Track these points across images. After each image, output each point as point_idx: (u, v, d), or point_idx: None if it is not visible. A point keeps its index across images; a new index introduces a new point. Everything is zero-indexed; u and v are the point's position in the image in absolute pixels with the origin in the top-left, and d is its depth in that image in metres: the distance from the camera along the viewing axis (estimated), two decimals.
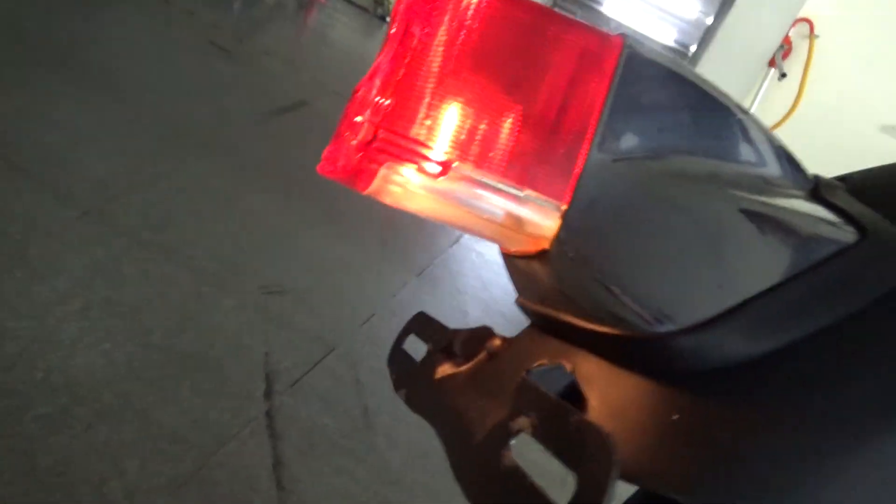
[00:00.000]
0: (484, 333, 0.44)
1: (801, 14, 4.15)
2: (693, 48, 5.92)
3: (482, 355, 0.42)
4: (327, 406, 1.62)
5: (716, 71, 4.16)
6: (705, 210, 0.33)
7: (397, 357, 0.48)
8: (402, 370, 0.47)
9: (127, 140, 2.52)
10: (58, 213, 1.87)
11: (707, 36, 4.69)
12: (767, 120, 4.34)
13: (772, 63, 4.31)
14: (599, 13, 22.19)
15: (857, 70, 4.23)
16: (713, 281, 0.33)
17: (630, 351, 0.34)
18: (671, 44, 21.14)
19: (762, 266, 0.33)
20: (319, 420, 1.56)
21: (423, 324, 0.49)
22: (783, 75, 4.33)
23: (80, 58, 3.07)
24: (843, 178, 0.45)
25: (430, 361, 0.44)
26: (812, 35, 4.24)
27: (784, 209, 0.35)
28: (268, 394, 1.57)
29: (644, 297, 0.33)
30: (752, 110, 4.47)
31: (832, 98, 4.26)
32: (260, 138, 3.36)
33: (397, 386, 0.46)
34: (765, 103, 4.36)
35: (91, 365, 1.40)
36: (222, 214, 2.33)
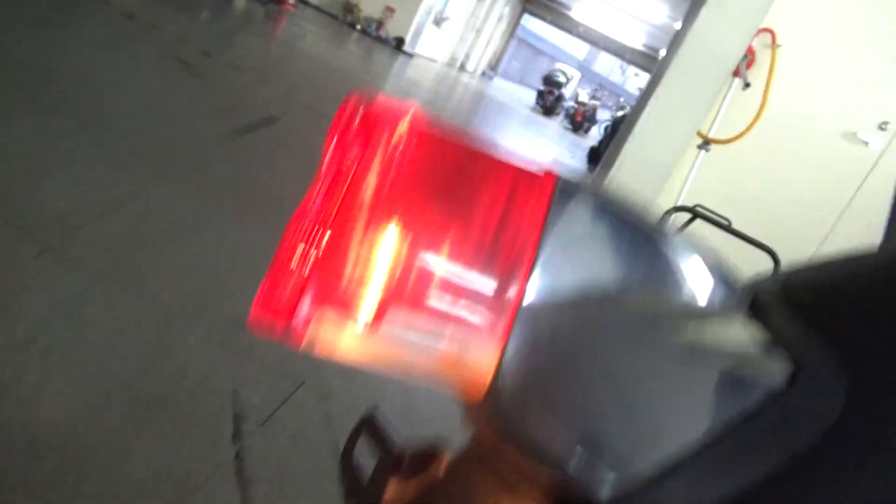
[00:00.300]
0: (434, 450, 0.44)
1: (764, 24, 4.22)
2: (662, 52, 5.96)
3: (430, 478, 0.41)
4: (297, 444, 1.60)
5: (685, 76, 4.21)
6: (641, 357, 0.33)
7: (348, 463, 0.47)
8: (353, 479, 0.46)
9: (87, 167, 2.48)
10: (15, 250, 1.83)
11: (676, 41, 4.74)
12: (733, 129, 4.40)
13: (736, 73, 4.38)
14: (569, 17, 22.39)
15: (818, 79, 4.31)
16: (648, 438, 0.33)
17: None
18: (640, 47, 21.36)
19: (699, 419, 0.33)
20: (289, 460, 1.54)
21: (373, 428, 0.48)
22: (747, 85, 4.40)
23: (37, 80, 3.01)
24: (786, 277, 0.45)
25: (379, 477, 0.44)
26: (774, 45, 4.32)
27: (721, 349, 0.35)
28: (236, 435, 1.55)
29: (579, 452, 0.33)
30: (718, 119, 4.53)
31: (795, 107, 4.34)
32: (227, 158, 3.32)
33: (347, 497, 0.46)
34: (730, 113, 4.42)
35: (52, 416, 1.37)
36: (188, 242, 2.30)
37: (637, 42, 19.91)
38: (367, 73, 9.83)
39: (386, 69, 11.72)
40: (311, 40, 10.10)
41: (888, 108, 4.20)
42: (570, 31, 25.30)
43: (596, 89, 22.68)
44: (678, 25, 4.38)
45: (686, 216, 3.82)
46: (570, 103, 21.45)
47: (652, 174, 4.34)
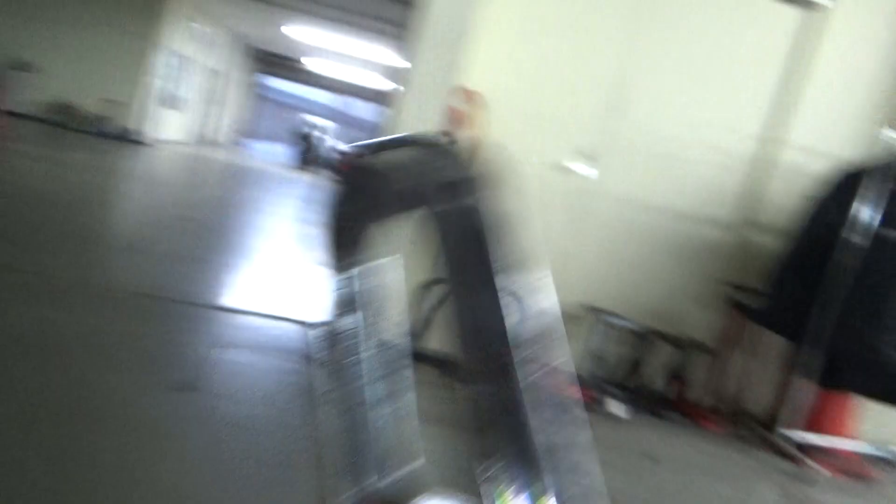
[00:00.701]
0: None
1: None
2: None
3: None
4: None
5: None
6: None
7: None
8: None
9: None
10: None
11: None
12: None
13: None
14: (304, 70, 22.45)
15: (519, 124, 4.60)
16: None
17: None
18: (384, 88, 21.84)
19: None
20: None
21: None
22: (447, 136, 4.57)
23: None
24: None
25: None
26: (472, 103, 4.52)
27: None
28: None
29: None
30: None
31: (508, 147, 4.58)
32: None
33: None
34: None
35: None
36: None
37: (379, 83, 20.36)
38: (90, 190, 8.81)
39: (115, 175, 10.80)
40: (19, 166, 8.85)
41: (592, 136, 4.63)
42: (310, 84, 25.45)
43: (354, 136, 23.02)
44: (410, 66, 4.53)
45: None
46: (330, 154, 21.44)
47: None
